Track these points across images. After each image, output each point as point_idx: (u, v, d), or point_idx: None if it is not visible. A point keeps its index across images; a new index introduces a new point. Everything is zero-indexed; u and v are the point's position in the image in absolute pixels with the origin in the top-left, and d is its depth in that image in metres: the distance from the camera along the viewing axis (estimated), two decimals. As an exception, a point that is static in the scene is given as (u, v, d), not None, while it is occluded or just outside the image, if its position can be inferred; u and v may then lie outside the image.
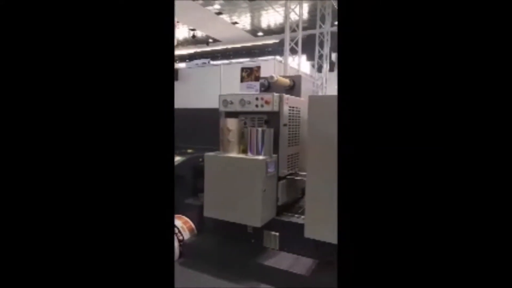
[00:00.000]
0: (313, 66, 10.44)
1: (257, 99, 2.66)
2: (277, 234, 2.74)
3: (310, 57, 10.78)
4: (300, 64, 7.83)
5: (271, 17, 12.45)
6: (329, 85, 9.38)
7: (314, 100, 2.32)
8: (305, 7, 10.28)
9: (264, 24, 13.55)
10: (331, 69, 11.90)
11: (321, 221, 2.25)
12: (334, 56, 13.09)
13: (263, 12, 12.04)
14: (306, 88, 3.26)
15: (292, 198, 3.01)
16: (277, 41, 13.81)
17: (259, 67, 2.85)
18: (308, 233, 2.33)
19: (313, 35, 10.17)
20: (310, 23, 11.17)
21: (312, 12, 10.62)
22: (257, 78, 2.84)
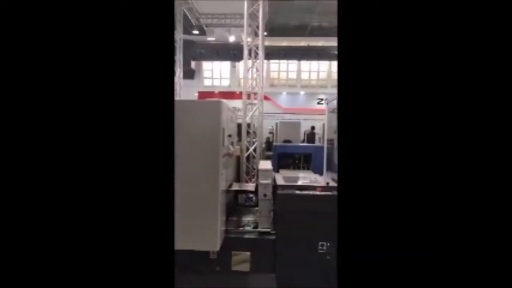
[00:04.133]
0: (171, 71, 10.24)
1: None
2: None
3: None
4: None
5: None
6: (185, 91, 9.44)
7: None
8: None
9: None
10: (190, 77, 12.04)
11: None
12: (193, 64, 13.33)
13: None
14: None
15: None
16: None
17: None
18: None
19: (170, 41, 10.01)
20: (168, 28, 10.95)
21: (169, 17, 10.43)
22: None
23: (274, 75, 13.68)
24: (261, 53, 4.51)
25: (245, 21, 4.40)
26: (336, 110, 3.58)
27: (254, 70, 4.56)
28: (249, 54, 4.44)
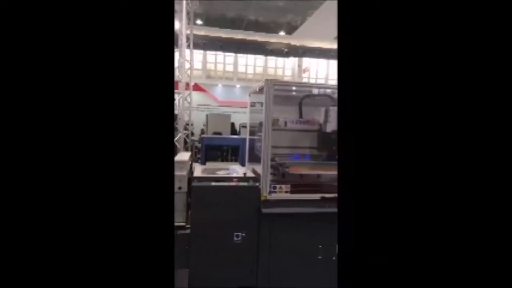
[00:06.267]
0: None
1: None
2: None
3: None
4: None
5: None
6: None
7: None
8: None
9: None
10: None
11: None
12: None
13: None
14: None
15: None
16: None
17: None
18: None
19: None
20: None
21: None
22: None
23: (210, 66, 13.42)
24: (184, 39, 4.30)
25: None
26: (259, 104, 3.60)
27: (180, 57, 4.34)
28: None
